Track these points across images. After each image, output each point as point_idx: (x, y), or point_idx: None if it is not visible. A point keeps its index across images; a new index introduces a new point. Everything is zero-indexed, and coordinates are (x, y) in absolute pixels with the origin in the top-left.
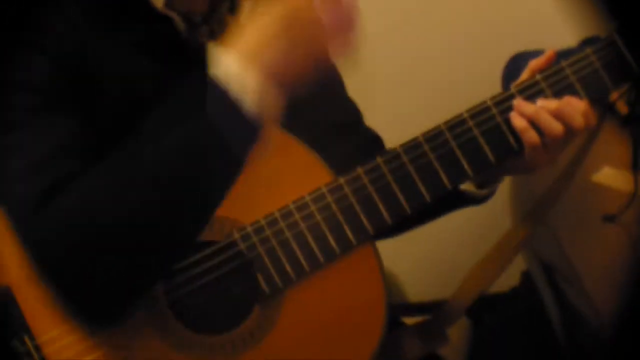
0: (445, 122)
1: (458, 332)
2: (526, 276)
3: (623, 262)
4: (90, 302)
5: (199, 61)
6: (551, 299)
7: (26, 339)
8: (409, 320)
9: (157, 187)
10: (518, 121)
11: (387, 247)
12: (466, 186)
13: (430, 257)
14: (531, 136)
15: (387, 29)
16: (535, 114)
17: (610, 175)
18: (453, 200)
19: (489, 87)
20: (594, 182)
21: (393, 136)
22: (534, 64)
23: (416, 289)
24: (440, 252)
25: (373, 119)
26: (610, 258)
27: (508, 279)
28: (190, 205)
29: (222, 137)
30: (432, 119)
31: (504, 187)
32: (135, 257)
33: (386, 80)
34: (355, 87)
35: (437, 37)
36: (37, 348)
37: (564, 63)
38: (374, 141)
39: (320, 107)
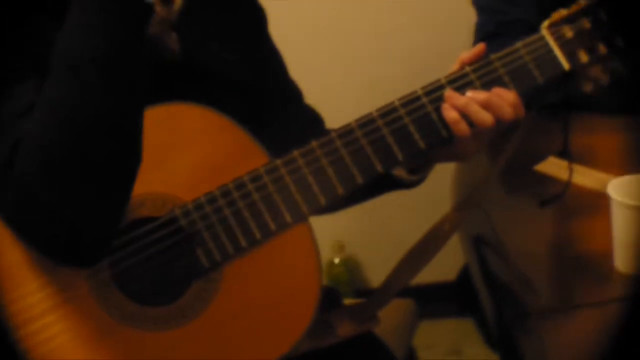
0: (378, 110)
1: (400, 314)
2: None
3: (552, 244)
4: (81, 238)
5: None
6: (478, 271)
7: None
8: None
9: (83, 103)
10: (449, 113)
11: (354, 236)
12: (398, 171)
13: (397, 245)
14: (462, 127)
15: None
16: (466, 106)
17: (551, 164)
18: (384, 183)
19: None
20: (536, 170)
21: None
22: (463, 56)
23: (380, 275)
24: (409, 242)
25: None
26: (541, 240)
27: None
28: (124, 76)
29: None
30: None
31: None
32: (103, 167)
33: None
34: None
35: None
36: (1, 306)
37: (493, 56)
38: (313, 119)
39: (258, 86)
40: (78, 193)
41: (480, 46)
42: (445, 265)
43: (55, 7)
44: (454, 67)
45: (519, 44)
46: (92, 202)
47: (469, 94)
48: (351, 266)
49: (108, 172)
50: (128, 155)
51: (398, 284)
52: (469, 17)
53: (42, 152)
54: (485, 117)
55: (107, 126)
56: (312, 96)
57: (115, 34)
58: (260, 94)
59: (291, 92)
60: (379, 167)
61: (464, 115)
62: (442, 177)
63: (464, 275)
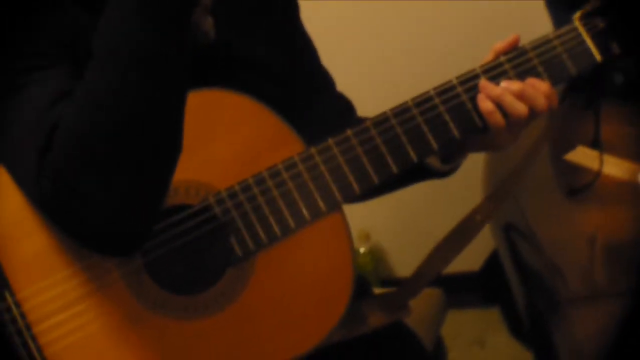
0: (413, 99)
1: (429, 304)
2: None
3: (582, 233)
4: (120, 227)
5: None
6: (508, 257)
7: (6, 294)
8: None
9: (125, 90)
10: (484, 104)
11: (380, 225)
12: (431, 160)
13: (422, 235)
14: (496, 118)
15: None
16: (500, 96)
17: (581, 154)
18: (418, 172)
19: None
20: (566, 160)
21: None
22: (497, 46)
23: (405, 265)
24: (434, 231)
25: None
26: (571, 229)
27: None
28: (163, 76)
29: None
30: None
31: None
32: (143, 157)
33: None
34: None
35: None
36: (17, 304)
37: (527, 46)
38: (346, 107)
39: (292, 73)
40: (117, 181)
41: (514, 36)
42: (469, 256)
43: None
44: (488, 56)
45: (551, 35)
46: (131, 190)
47: (504, 84)
48: (377, 255)
49: (148, 160)
50: (168, 144)
51: (429, 274)
52: (491, 14)
53: (81, 139)
54: (520, 108)
55: (148, 114)
56: (341, 86)
57: (158, 22)
58: (293, 80)
59: (324, 80)
60: (414, 156)
61: (499, 106)
62: (468, 166)
63: (489, 265)
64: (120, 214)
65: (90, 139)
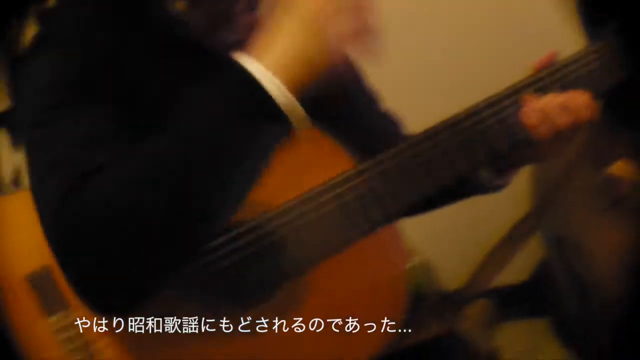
0: (462, 111)
1: (480, 314)
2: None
3: (626, 243)
4: (110, 291)
5: (219, 65)
6: (561, 269)
7: (64, 314)
8: None
9: (178, 183)
10: (528, 117)
11: (429, 239)
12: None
13: (472, 249)
14: (541, 130)
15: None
16: (544, 109)
17: (623, 167)
18: (467, 187)
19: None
20: (609, 173)
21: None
22: (537, 62)
23: (452, 278)
24: (479, 244)
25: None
26: (615, 239)
27: None
28: (213, 201)
29: (252, 128)
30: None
31: None
32: (153, 253)
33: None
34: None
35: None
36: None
37: (564, 61)
38: (393, 123)
39: (340, 93)
40: (136, 253)
41: (551, 52)
42: (519, 266)
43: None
44: (528, 72)
45: (586, 50)
46: (145, 263)
47: (547, 97)
48: (424, 269)
49: (176, 245)
50: (202, 238)
51: (479, 285)
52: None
53: (121, 201)
54: (563, 120)
55: (198, 207)
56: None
57: (246, 137)
58: (340, 99)
59: (373, 94)
60: (464, 170)
61: (543, 118)
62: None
63: (538, 275)
64: (125, 279)
65: (130, 204)
